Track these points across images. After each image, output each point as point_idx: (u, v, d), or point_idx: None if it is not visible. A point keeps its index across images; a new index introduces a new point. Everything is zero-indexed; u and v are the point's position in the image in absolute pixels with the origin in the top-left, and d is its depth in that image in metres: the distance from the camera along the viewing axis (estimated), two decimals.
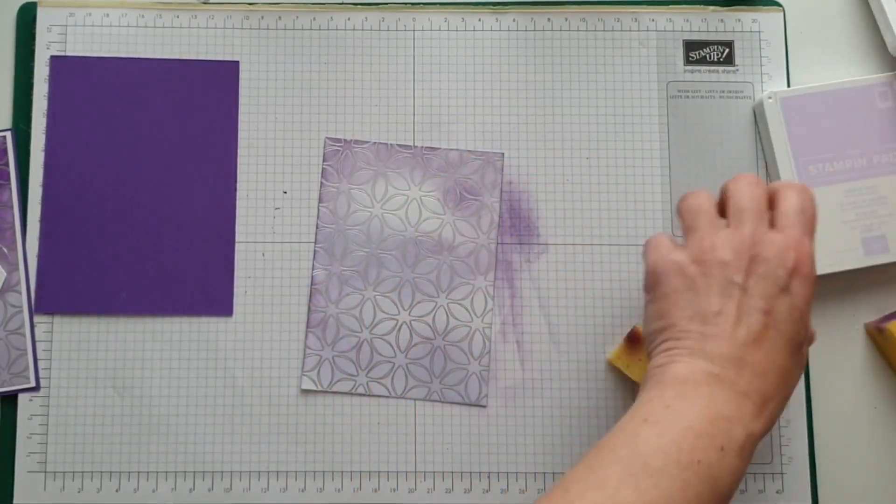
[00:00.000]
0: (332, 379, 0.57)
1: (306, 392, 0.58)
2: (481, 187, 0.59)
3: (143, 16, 0.62)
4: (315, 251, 0.58)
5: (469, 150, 0.59)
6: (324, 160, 0.59)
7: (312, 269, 0.58)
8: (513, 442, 0.58)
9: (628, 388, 0.59)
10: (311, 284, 0.58)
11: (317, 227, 0.58)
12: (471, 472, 0.58)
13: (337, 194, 0.58)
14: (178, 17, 0.62)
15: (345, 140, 0.59)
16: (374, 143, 0.59)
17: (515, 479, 0.58)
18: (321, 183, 0.58)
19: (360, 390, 0.57)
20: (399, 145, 0.59)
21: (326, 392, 0.58)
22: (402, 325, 0.57)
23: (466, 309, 0.58)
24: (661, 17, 0.62)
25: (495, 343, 0.58)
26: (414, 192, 0.58)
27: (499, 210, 0.59)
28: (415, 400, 0.57)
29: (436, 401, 0.57)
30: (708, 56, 0.62)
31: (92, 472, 0.57)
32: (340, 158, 0.59)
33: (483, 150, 0.59)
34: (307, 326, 0.57)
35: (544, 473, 0.58)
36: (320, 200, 0.58)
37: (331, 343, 0.57)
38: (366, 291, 0.57)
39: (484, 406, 0.57)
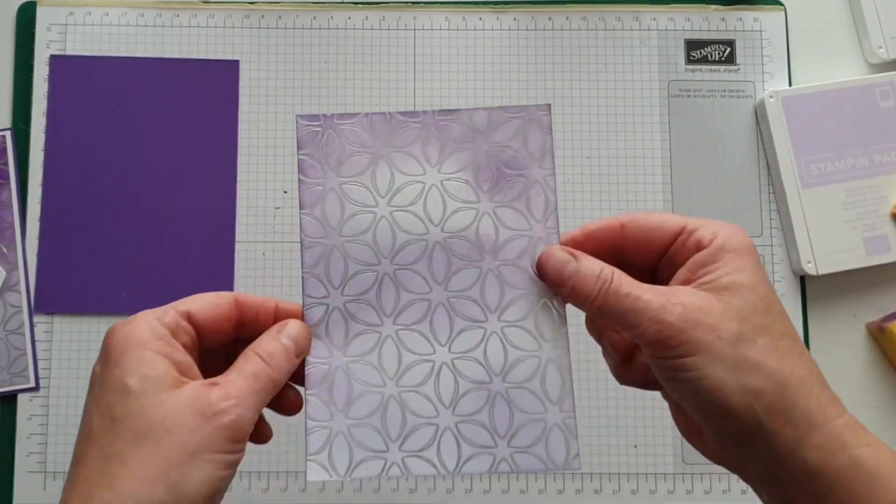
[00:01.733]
0: (350, 460, 0.40)
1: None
2: (525, 156, 0.43)
3: (142, 15, 0.61)
4: (303, 279, 0.41)
5: (501, 107, 0.42)
6: (299, 148, 0.42)
7: (304, 306, 0.41)
8: None
9: (629, 389, 0.58)
10: None
11: (301, 245, 0.42)
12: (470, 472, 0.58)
13: (323, 194, 0.42)
14: (177, 16, 0.61)
15: (324, 116, 0.43)
16: (367, 114, 0.43)
17: (515, 478, 0.58)
18: (299, 180, 0.42)
19: (395, 471, 0.40)
20: (402, 113, 0.43)
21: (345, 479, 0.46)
22: (441, 367, 0.41)
23: (529, 333, 0.41)
24: (663, 16, 0.62)
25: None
26: (432, 176, 0.43)
27: (554, 186, 0.42)
28: (478, 475, 0.44)
29: (506, 472, 0.40)
30: (709, 55, 0.62)
31: None
32: (322, 143, 0.43)
33: (521, 105, 0.43)
34: (305, 389, 0.41)
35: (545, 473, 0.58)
36: (301, 206, 0.42)
37: (343, 408, 0.40)
38: (383, 327, 0.41)
39: (578, 470, 0.42)
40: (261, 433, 0.40)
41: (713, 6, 0.62)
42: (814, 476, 0.35)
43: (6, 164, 0.60)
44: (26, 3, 0.61)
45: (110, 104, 0.60)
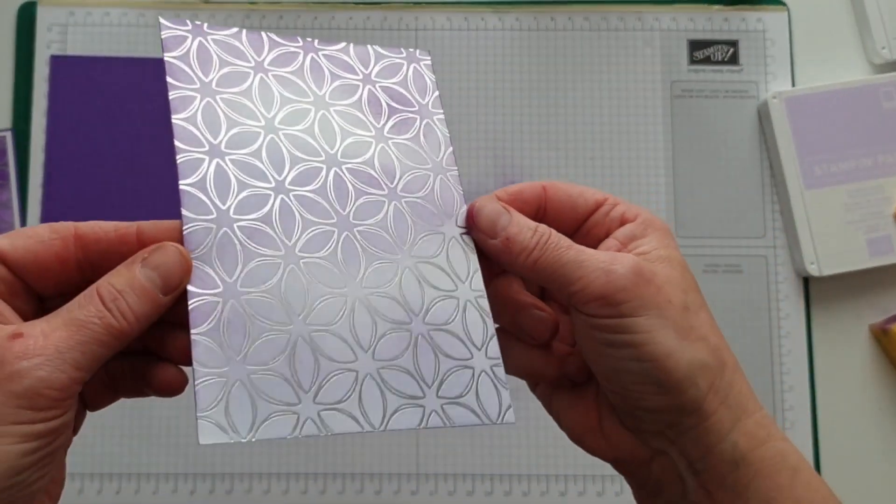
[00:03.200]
0: (254, 417, 0.31)
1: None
2: (412, 94, 0.40)
3: (143, 15, 0.61)
4: (181, 194, 0.33)
5: (378, 49, 0.40)
6: (165, 50, 0.36)
7: (183, 228, 0.32)
8: (515, 444, 0.58)
9: None
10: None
11: (176, 156, 0.33)
12: (473, 475, 0.57)
13: (199, 103, 0.35)
14: (178, 16, 0.61)
15: (193, 23, 0.38)
16: (240, 29, 0.38)
17: (518, 481, 0.57)
18: (168, 83, 0.35)
19: (310, 428, 0.32)
20: (279, 35, 0.38)
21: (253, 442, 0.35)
22: (355, 303, 0.34)
23: (443, 270, 0.37)
24: (665, 17, 0.62)
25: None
26: (319, 102, 0.37)
27: (445, 124, 0.40)
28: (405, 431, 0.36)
29: (437, 427, 0.34)
30: (712, 55, 0.61)
31: (92, 473, 0.57)
32: (192, 49, 0.37)
33: (401, 48, 0.40)
34: (190, 329, 0.31)
35: (547, 476, 0.57)
36: (172, 112, 0.34)
37: (240, 352, 0.32)
38: (284, 255, 0.34)
39: (512, 422, 0.36)
40: (158, 380, 0.32)
41: (716, 6, 0.62)
42: (739, 463, 0.33)
43: (6, 164, 0.60)
44: (27, 2, 0.61)
45: (111, 104, 0.60)
